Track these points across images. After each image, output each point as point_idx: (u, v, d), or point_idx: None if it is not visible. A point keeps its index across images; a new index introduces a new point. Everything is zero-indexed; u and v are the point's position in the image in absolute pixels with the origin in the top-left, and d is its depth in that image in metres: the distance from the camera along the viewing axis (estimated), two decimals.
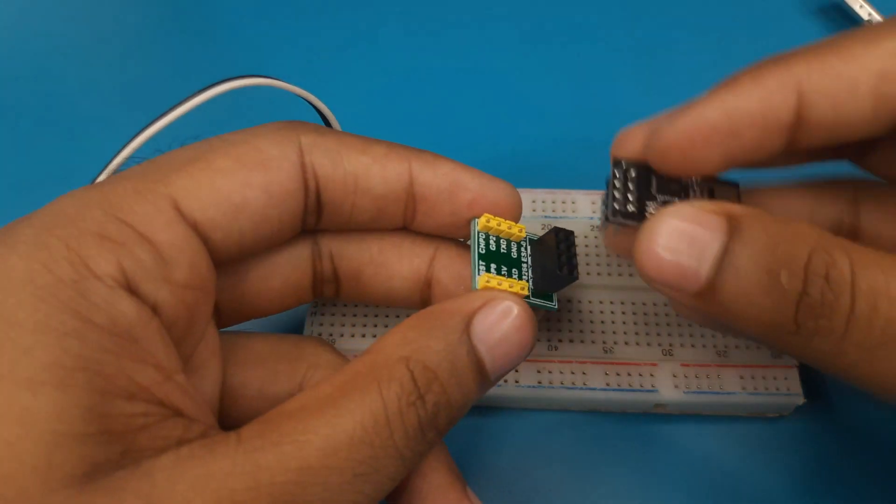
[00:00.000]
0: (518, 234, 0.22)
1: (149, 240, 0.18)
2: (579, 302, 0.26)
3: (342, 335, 0.26)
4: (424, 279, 0.23)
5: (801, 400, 0.25)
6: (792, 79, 0.18)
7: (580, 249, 0.27)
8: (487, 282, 0.20)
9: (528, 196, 0.29)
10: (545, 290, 0.22)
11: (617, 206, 0.20)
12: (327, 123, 0.24)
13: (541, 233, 0.23)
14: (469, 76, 0.36)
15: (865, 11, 0.36)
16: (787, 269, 0.16)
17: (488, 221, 0.22)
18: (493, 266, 0.21)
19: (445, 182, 0.22)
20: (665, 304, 0.26)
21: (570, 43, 0.37)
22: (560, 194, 0.29)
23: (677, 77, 0.35)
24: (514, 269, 0.22)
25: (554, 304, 0.22)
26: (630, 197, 0.20)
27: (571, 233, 0.22)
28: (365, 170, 0.21)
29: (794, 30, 0.37)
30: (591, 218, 0.28)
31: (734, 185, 0.22)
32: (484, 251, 0.22)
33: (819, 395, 0.26)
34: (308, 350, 0.23)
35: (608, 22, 0.38)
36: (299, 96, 0.22)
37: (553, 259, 0.21)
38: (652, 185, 0.21)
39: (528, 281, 0.22)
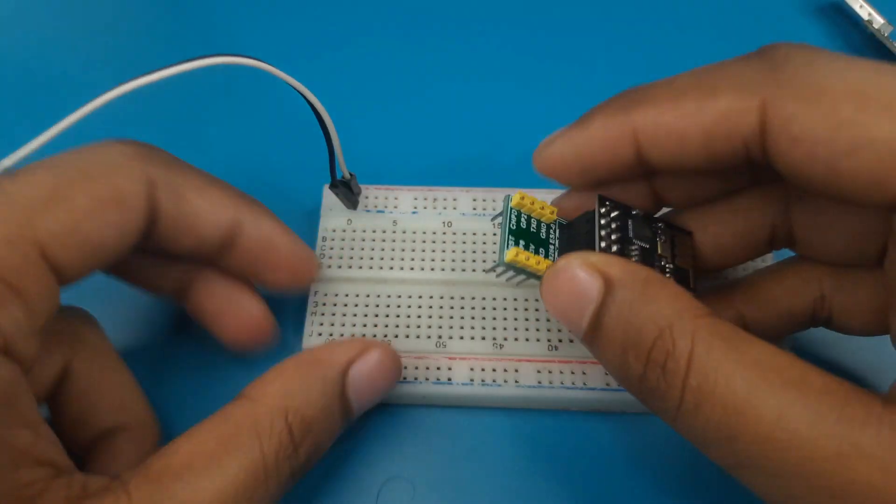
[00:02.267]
0: (549, 215, 0.23)
1: (21, 294, 0.18)
2: None
3: (342, 335, 0.26)
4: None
5: None
6: (629, 126, 0.20)
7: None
8: (516, 255, 0.21)
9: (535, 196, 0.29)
10: None
11: (604, 245, 0.21)
12: (317, 119, 0.24)
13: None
14: (445, 75, 0.36)
15: (865, 11, 0.36)
16: (633, 350, 0.18)
17: (522, 199, 0.23)
18: (521, 242, 0.22)
19: (264, 239, 0.24)
20: None
21: (551, 37, 0.37)
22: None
23: None
24: (541, 249, 0.23)
25: None
26: (614, 236, 0.21)
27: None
28: (198, 212, 0.22)
29: (794, 30, 0.38)
30: None
31: (689, 234, 0.23)
32: (515, 227, 0.23)
33: None
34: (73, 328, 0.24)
35: (601, 20, 0.38)
36: (286, 82, 0.23)
37: (584, 241, 0.22)
38: (629, 229, 0.22)
39: (553, 261, 0.23)
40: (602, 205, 0.22)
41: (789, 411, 0.16)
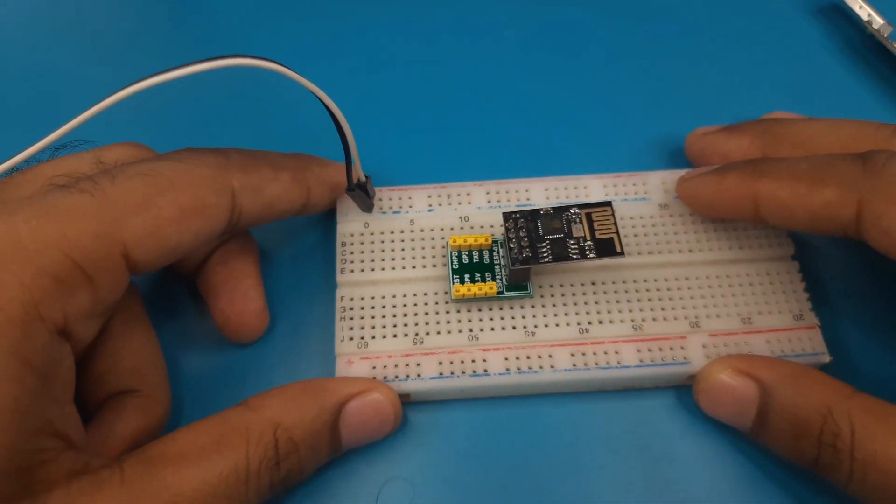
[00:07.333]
0: (485, 242, 0.29)
1: (93, 284, 0.21)
2: (603, 283, 0.28)
3: (374, 337, 0.28)
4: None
5: (826, 358, 0.27)
6: (753, 191, 0.25)
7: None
8: (458, 291, 0.27)
9: (541, 184, 0.31)
10: (517, 282, 0.28)
11: (514, 255, 0.26)
12: (335, 121, 0.26)
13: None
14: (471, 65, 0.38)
15: (865, 12, 0.38)
16: (804, 438, 0.23)
17: (454, 241, 0.28)
18: (466, 276, 0.28)
19: (329, 185, 0.29)
20: (686, 279, 0.29)
21: (573, 37, 0.39)
22: (572, 180, 0.31)
23: (676, 77, 0.37)
24: (486, 273, 0.28)
25: (529, 292, 0.28)
26: (523, 244, 0.26)
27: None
28: (277, 197, 0.27)
29: (794, 30, 0.39)
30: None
31: (607, 204, 0.27)
32: (457, 266, 0.28)
33: (843, 351, 0.28)
34: None
35: (611, 21, 0.40)
36: (304, 86, 0.24)
37: (509, 254, 0.26)
38: (539, 228, 0.26)
39: (498, 280, 0.28)
40: (507, 221, 0.27)
41: None
